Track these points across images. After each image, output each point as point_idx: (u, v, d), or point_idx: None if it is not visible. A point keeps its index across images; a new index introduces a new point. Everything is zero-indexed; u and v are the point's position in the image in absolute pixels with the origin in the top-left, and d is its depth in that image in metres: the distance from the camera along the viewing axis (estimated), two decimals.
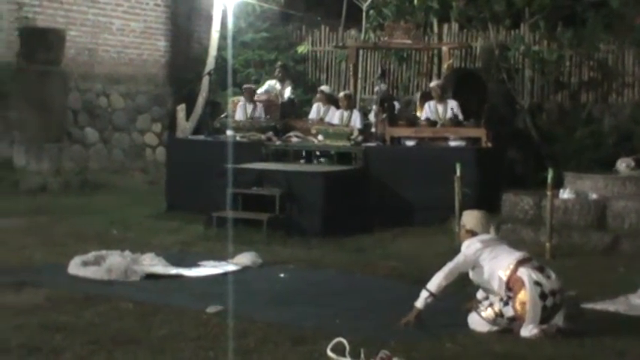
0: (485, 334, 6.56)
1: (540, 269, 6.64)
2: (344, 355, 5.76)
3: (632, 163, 11.79)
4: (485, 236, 6.92)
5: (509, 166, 13.52)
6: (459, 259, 6.82)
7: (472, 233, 6.95)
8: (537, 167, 12.96)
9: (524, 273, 6.54)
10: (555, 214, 10.44)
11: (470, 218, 7.09)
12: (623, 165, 11.85)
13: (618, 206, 10.88)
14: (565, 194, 11.18)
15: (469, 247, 6.84)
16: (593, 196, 11.16)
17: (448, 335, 6.45)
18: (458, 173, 10.69)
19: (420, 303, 6.65)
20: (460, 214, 9.14)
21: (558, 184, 11.07)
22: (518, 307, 6.53)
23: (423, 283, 6.77)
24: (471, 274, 6.85)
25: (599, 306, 7.60)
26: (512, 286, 6.57)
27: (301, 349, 6.01)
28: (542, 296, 6.48)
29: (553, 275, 6.63)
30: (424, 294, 6.65)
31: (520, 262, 6.64)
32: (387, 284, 8.55)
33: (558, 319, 6.57)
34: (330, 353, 5.83)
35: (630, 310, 7.54)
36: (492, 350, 6.15)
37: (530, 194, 11.50)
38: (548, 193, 10.32)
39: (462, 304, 7.01)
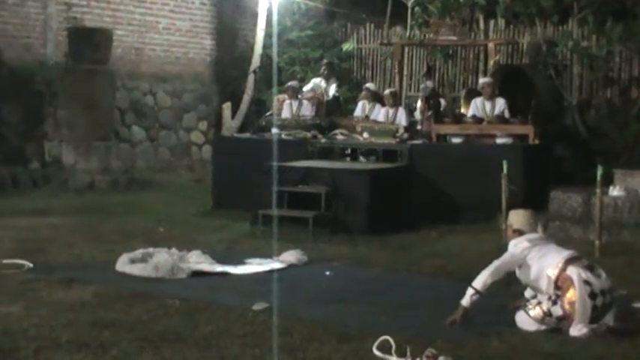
0: (533, 332, 6.52)
1: (590, 268, 6.58)
2: (390, 353, 5.76)
3: None
4: (532, 235, 6.89)
5: (556, 163, 13.41)
6: (505, 257, 6.79)
7: (519, 232, 6.92)
8: (586, 164, 12.82)
9: (573, 272, 6.48)
10: (605, 211, 10.33)
11: (517, 217, 7.06)
12: None
13: None
14: (615, 191, 11.07)
15: (516, 245, 6.81)
16: None
17: (495, 334, 6.43)
18: (505, 171, 10.63)
19: (465, 301, 6.63)
20: (507, 212, 9.09)
21: (608, 181, 10.94)
22: (567, 306, 6.47)
23: (469, 281, 6.74)
24: (518, 273, 6.81)
25: None
26: (560, 285, 6.52)
27: (347, 347, 6.01)
28: (592, 295, 6.41)
29: (603, 274, 6.57)
30: (470, 292, 6.63)
31: (569, 261, 6.59)
32: (433, 282, 8.53)
33: (609, 319, 6.51)
34: (375, 351, 5.83)
35: None
36: (541, 350, 6.11)
37: (578, 191, 11.39)
38: (598, 190, 10.19)
39: (509, 302, 6.97)
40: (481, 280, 6.63)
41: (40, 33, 16.85)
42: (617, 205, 10.84)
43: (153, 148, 18.22)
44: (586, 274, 6.47)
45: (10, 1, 16.44)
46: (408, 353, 5.68)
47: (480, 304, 6.65)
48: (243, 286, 8.16)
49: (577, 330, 6.42)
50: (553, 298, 6.54)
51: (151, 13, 18.45)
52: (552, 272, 6.57)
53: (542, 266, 6.65)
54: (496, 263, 6.73)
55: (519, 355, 5.95)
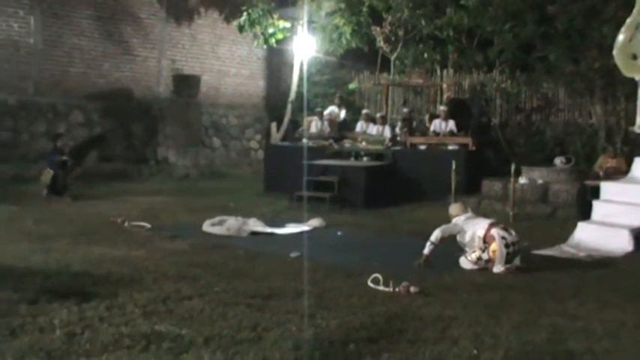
0: (470, 270, 6.56)
1: (505, 229, 6.69)
2: (379, 285, 5.79)
3: (564, 160, 11.75)
4: (466, 214, 7.00)
5: (486, 162, 13.34)
6: (450, 224, 6.91)
7: (457, 216, 6.97)
8: (504, 163, 12.75)
9: (494, 232, 6.59)
10: (516, 193, 10.34)
11: (453, 209, 7.16)
12: (558, 161, 11.78)
13: (555, 188, 10.79)
14: (522, 180, 11.07)
15: (457, 220, 6.92)
16: (540, 181, 11.06)
17: (447, 271, 6.46)
18: (453, 167, 10.62)
19: (426, 250, 6.68)
20: (455, 193, 9.13)
21: (518, 173, 10.93)
22: (491, 253, 6.55)
23: None
24: (459, 238, 6.87)
25: (543, 252, 7.61)
26: (487, 240, 6.60)
27: (351, 281, 6.04)
28: (506, 246, 6.52)
29: (513, 232, 6.70)
30: (428, 243, 6.70)
31: (491, 225, 6.69)
32: (407, 240, 8.53)
33: (517, 261, 6.59)
34: (369, 283, 5.86)
35: (562, 254, 7.61)
36: (476, 281, 6.14)
37: (500, 180, 11.40)
38: (512, 179, 10.25)
39: (456, 251, 6.98)
40: (434, 235, 6.69)
41: (155, 78, 16.93)
42: (523, 189, 10.85)
43: (226, 151, 18.25)
44: (502, 233, 6.58)
45: (138, 59, 16.58)
46: (391, 285, 5.70)
47: (436, 252, 6.68)
48: (284, 241, 8.21)
49: (497, 269, 6.47)
50: (482, 248, 6.58)
51: (225, 65, 18.46)
52: (481, 233, 6.64)
53: (475, 230, 6.72)
54: (444, 226, 6.80)
55: (463, 285, 5.97)
